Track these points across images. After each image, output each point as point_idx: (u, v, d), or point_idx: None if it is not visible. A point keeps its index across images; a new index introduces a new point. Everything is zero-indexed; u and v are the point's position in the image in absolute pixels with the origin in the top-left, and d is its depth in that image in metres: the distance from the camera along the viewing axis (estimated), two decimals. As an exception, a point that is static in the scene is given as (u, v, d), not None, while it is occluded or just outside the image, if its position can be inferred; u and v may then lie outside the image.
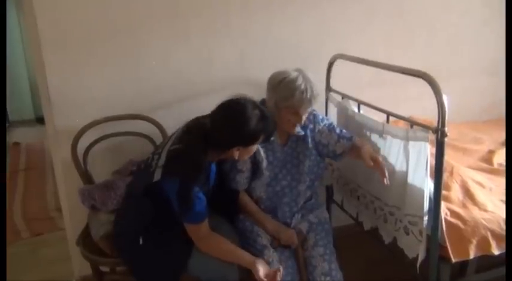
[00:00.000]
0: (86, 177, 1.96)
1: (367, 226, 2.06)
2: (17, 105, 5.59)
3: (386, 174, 1.65)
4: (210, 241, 1.61)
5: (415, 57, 2.44)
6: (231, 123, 1.54)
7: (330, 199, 2.38)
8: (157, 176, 1.51)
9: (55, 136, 2.02)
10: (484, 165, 2.18)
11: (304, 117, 1.78)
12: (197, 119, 1.64)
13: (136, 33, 2.00)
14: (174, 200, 1.50)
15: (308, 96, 1.70)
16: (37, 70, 2.06)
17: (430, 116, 2.34)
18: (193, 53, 2.10)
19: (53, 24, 1.88)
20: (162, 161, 1.54)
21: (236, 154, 1.58)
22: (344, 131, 1.91)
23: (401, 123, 1.97)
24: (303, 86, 1.69)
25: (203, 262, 1.61)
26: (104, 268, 1.90)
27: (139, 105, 2.05)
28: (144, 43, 2.02)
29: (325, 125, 1.91)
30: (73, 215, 2.11)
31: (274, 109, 1.75)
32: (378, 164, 1.67)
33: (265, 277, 1.52)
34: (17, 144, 4.77)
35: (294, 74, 1.73)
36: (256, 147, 1.66)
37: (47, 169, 3.94)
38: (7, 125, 5.42)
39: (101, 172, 1.99)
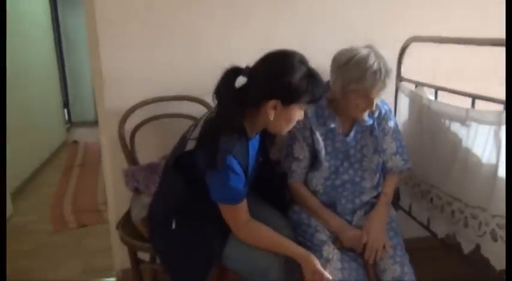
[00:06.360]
0: (132, 158, 1.85)
1: (441, 234, 1.77)
2: (79, 108, 5.91)
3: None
4: (250, 227, 1.38)
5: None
6: (271, 68, 1.33)
7: (395, 205, 2.09)
8: (189, 146, 1.35)
9: (105, 116, 1.94)
10: None
11: (375, 101, 1.54)
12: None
13: (193, 12, 1.89)
14: (203, 167, 1.30)
15: (382, 77, 1.45)
16: (91, 50, 2.01)
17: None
18: (251, 33, 1.95)
19: (109, 2, 1.81)
20: (196, 133, 1.37)
21: (271, 113, 1.33)
22: (404, 149, 1.71)
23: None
24: (375, 66, 1.45)
25: (241, 251, 1.40)
26: (144, 256, 1.76)
27: (193, 87, 1.92)
28: (200, 23, 1.91)
29: (391, 128, 1.68)
30: (118, 202, 2.00)
31: (340, 94, 1.53)
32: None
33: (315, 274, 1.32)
34: (75, 142, 4.89)
35: (364, 52, 1.48)
36: (298, 116, 1.39)
37: (101, 166, 3.95)
38: (68, 125, 5.61)
39: (148, 155, 1.88)
